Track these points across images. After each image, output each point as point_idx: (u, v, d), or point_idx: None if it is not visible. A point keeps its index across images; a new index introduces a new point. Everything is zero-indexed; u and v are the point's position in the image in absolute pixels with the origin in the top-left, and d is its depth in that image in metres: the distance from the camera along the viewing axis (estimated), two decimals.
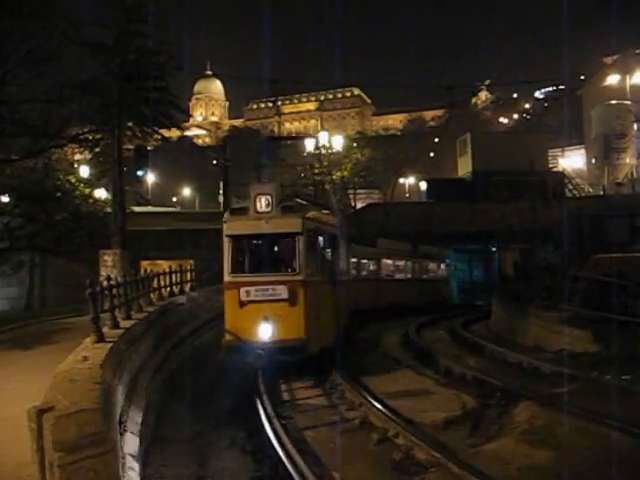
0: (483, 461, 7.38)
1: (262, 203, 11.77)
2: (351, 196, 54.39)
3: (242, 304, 11.61)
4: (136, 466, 5.77)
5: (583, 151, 62.30)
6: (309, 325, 11.65)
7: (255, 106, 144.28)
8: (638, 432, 7.76)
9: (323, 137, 30.05)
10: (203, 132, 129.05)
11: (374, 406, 9.73)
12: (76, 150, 29.24)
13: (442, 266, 34.70)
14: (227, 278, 12.10)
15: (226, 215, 12.67)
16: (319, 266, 12.82)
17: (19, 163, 22.08)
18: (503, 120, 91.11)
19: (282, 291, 11.58)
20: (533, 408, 9.40)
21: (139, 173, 16.30)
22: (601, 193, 42.01)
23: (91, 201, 27.19)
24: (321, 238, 13.08)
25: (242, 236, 12.25)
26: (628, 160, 49.76)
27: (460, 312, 26.82)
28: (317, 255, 12.76)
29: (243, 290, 11.61)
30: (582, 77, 69.63)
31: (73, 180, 26.46)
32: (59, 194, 24.39)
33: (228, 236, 12.16)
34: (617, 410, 8.68)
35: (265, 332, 11.44)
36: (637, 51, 55.88)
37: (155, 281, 14.59)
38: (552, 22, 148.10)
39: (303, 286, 11.69)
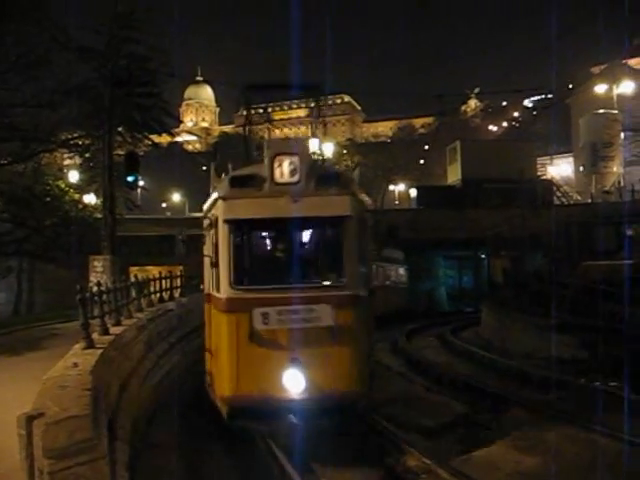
0: (473, 467, 7.41)
1: (285, 169, 7.56)
2: None
3: (255, 336, 7.32)
4: (126, 474, 5.74)
5: (571, 159, 62.98)
6: (362, 368, 7.70)
7: (245, 112, 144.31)
8: (626, 438, 7.84)
9: (314, 144, 30.07)
10: (193, 138, 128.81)
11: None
12: (66, 155, 29.11)
13: (401, 271, 32.35)
14: (225, 293, 7.59)
15: (223, 187, 7.86)
16: (365, 271, 8.65)
17: (8, 167, 21.94)
18: (492, 128, 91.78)
19: (324, 313, 7.37)
20: (522, 414, 9.46)
21: (129, 179, 16.20)
22: (589, 201, 42.43)
23: (81, 206, 27.05)
24: (363, 227, 8.34)
25: (253, 222, 7.84)
26: (615, 168, 50.28)
27: (445, 320, 26.58)
28: (363, 254, 8.29)
29: (258, 313, 7.32)
30: (570, 86, 70.43)
31: (62, 185, 26.33)
32: (48, 199, 24.24)
33: (228, 222, 7.62)
34: (605, 416, 8.75)
35: (295, 383, 7.24)
36: (624, 61, 56.67)
37: (145, 287, 14.52)
38: (541, 32, 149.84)
39: (355, 305, 7.61)
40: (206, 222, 8.58)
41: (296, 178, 7.57)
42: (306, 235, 8.28)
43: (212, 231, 8.15)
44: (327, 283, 7.79)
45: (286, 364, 7.26)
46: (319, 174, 7.76)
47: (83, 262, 19.85)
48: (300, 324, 7.35)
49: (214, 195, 8.22)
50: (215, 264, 7.94)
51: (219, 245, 7.76)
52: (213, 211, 8.16)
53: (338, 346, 7.36)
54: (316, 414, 7.34)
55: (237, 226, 7.74)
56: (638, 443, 7.79)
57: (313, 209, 7.58)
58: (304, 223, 7.82)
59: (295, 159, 7.61)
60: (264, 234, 8.44)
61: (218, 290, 7.82)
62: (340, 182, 7.86)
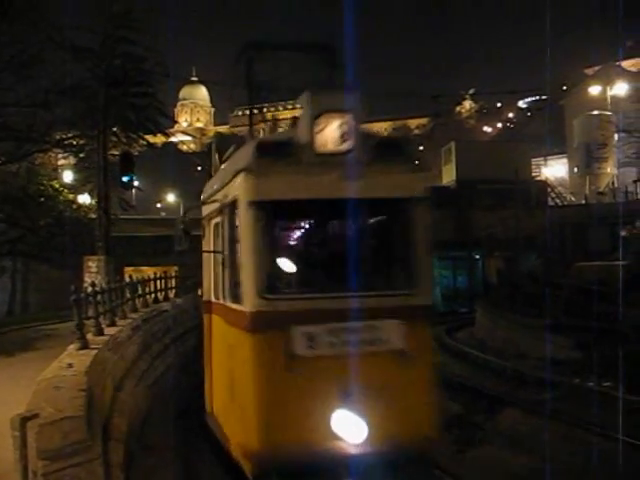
0: (467, 467, 7.43)
1: (333, 134, 5.35)
2: None
3: (295, 366, 5.13)
4: (120, 475, 5.72)
5: (565, 160, 63.25)
6: (435, 404, 5.54)
7: (240, 112, 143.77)
8: (619, 437, 7.87)
9: None
10: (188, 138, 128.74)
11: None
12: (60, 155, 29.00)
13: None
14: (251, 304, 5.27)
15: (246, 157, 5.46)
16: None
17: (2, 167, 21.86)
18: (487, 129, 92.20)
19: (391, 332, 5.31)
20: (517, 414, 9.49)
21: (124, 179, 16.18)
22: (583, 202, 42.62)
23: (75, 207, 26.97)
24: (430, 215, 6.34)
25: (290, 206, 5.56)
26: (609, 169, 50.55)
27: (439, 321, 26.63)
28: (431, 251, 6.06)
29: (299, 333, 5.16)
30: (564, 87, 70.74)
31: (57, 185, 26.25)
32: (42, 199, 24.17)
33: (256, 205, 5.29)
34: (599, 416, 8.79)
35: (351, 429, 5.13)
36: (617, 63, 56.98)
37: (139, 288, 14.49)
38: (536, 33, 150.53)
39: (429, 319, 5.63)
40: (210, 208, 6.55)
41: (348, 146, 5.28)
42: (363, 224, 5.94)
43: (220, 219, 6.11)
44: (393, 290, 5.56)
45: (339, 404, 5.10)
46: (378, 141, 5.58)
47: (77, 262, 19.80)
48: (358, 348, 5.16)
49: (230, 170, 5.91)
50: (230, 263, 5.77)
51: (240, 237, 5.47)
52: (227, 191, 5.85)
53: (409, 377, 5.27)
54: (379, 472, 5.08)
55: (268, 211, 5.31)
56: (632, 443, 7.83)
57: (373, 189, 5.36)
58: (360, 208, 5.43)
59: (347, 119, 5.26)
60: (305, 223, 6.32)
61: (237, 300, 5.55)
62: (407, 153, 5.69)
